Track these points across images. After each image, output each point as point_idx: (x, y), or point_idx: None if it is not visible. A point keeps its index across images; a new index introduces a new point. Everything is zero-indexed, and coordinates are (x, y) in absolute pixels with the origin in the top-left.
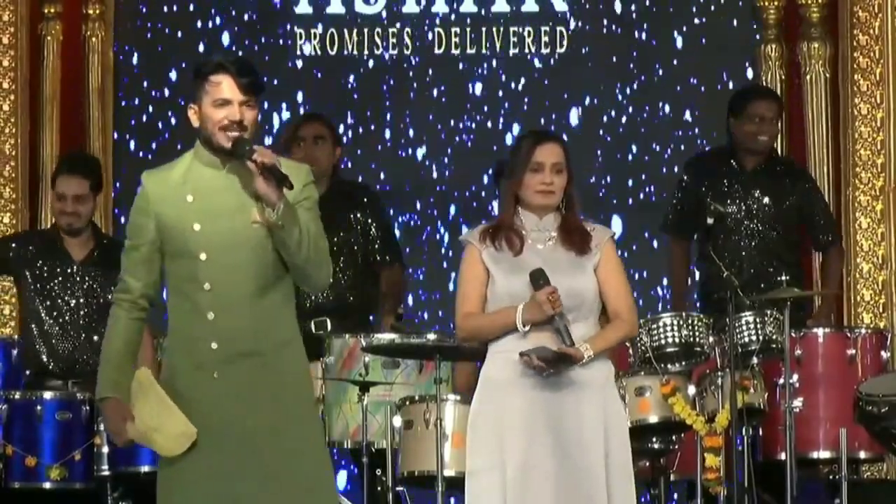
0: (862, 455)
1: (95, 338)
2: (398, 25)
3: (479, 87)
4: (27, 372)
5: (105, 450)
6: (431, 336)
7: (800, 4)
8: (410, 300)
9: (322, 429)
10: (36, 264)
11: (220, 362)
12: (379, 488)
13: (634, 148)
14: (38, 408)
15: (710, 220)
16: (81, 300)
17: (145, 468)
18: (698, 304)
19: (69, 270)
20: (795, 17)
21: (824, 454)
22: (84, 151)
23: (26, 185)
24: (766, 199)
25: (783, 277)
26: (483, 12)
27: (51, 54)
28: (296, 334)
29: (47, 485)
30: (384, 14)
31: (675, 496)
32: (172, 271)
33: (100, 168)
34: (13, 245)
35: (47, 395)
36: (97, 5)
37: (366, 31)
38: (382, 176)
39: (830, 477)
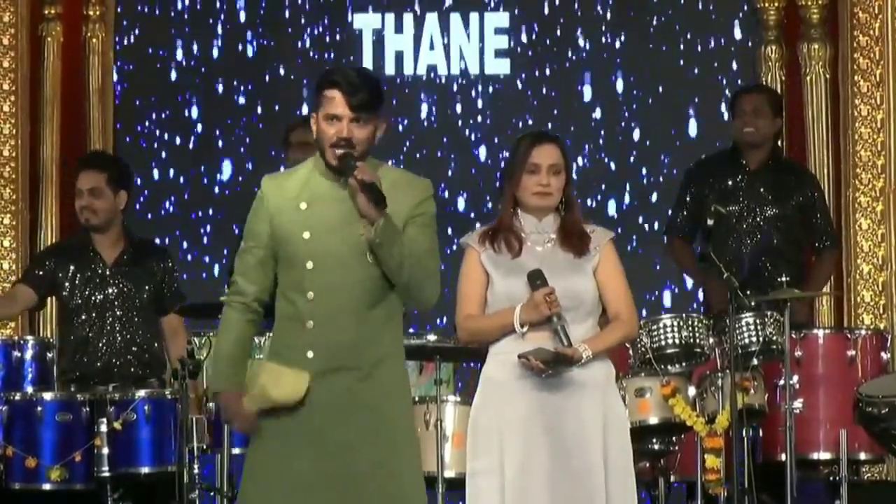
0: (862, 456)
1: (132, 340)
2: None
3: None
4: (66, 377)
5: (105, 451)
6: (432, 337)
7: (800, 6)
8: None
9: (418, 448)
10: (69, 271)
11: (316, 373)
12: None
13: (634, 150)
14: (39, 409)
15: (710, 221)
16: (116, 303)
17: (145, 469)
18: (701, 305)
19: (101, 273)
20: (795, 18)
21: (824, 455)
22: (105, 152)
23: (27, 186)
24: (770, 197)
25: (783, 277)
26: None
27: (51, 55)
28: (397, 351)
29: (48, 486)
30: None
31: (676, 497)
32: (281, 277)
33: (119, 164)
34: (47, 264)
35: (47, 396)
36: (97, 7)
37: None
38: None
39: (830, 478)
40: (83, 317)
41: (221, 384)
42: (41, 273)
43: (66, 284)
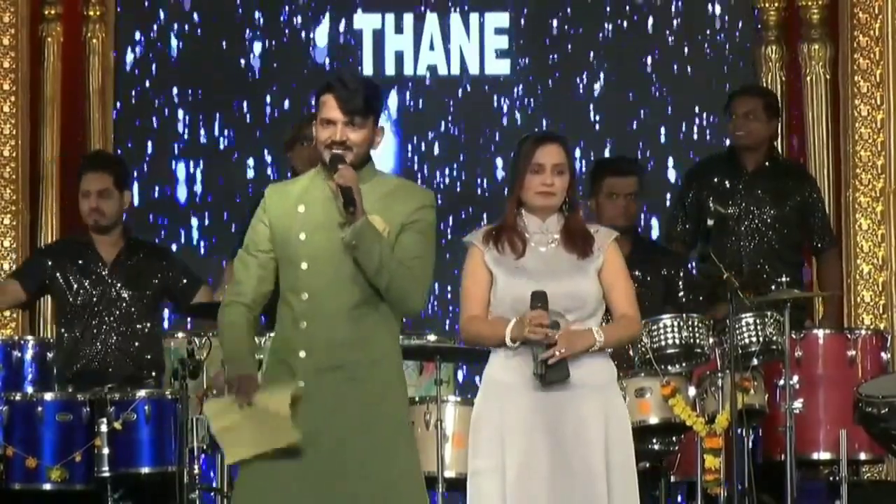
0: (862, 456)
1: (130, 340)
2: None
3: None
4: (62, 376)
5: (105, 451)
6: (432, 337)
7: (800, 6)
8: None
9: (414, 448)
10: (68, 270)
11: (308, 372)
12: None
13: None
14: (39, 409)
15: (709, 222)
16: (115, 302)
17: (146, 469)
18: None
19: (99, 273)
20: (795, 18)
21: (824, 455)
22: (106, 151)
23: (27, 186)
24: (768, 199)
25: (783, 278)
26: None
27: (51, 56)
28: (392, 352)
29: (48, 486)
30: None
31: (676, 497)
32: (281, 281)
33: (123, 165)
34: (44, 264)
35: (48, 396)
36: (97, 7)
37: None
38: None
39: (830, 478)
40: (81, 316)
41: (243, 368)
42: (35, 272)
43: (66, 284)
